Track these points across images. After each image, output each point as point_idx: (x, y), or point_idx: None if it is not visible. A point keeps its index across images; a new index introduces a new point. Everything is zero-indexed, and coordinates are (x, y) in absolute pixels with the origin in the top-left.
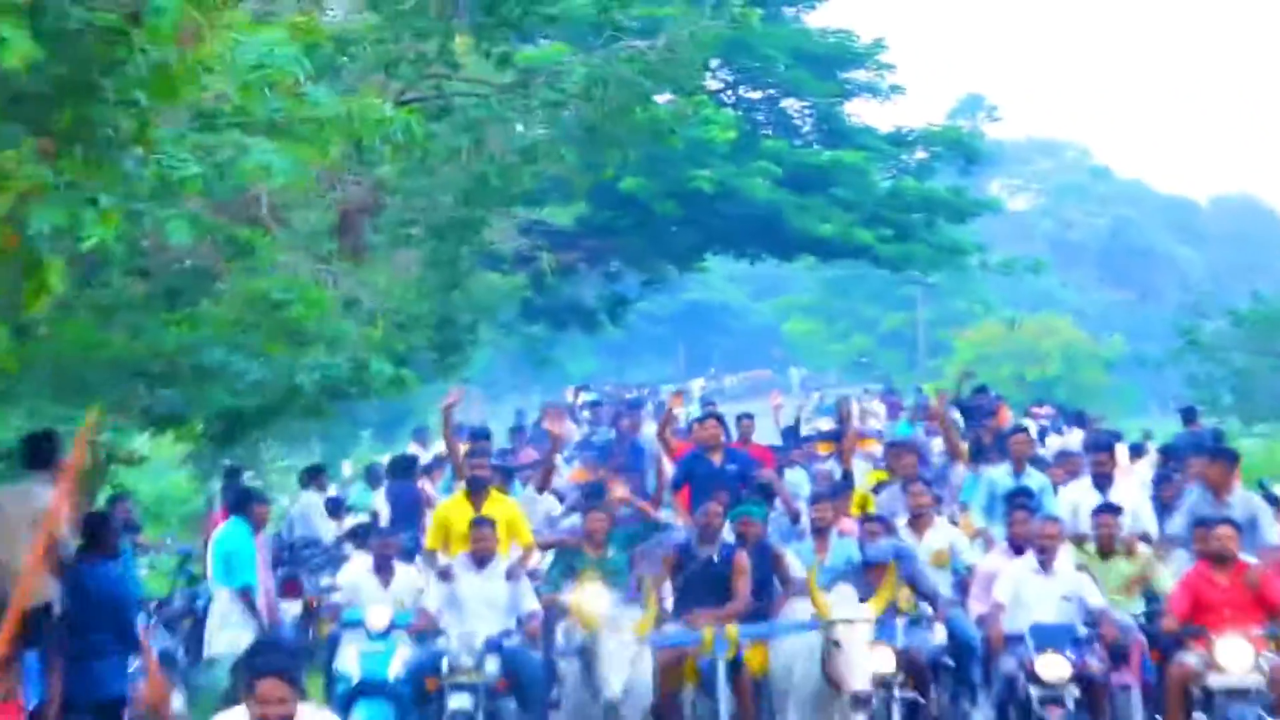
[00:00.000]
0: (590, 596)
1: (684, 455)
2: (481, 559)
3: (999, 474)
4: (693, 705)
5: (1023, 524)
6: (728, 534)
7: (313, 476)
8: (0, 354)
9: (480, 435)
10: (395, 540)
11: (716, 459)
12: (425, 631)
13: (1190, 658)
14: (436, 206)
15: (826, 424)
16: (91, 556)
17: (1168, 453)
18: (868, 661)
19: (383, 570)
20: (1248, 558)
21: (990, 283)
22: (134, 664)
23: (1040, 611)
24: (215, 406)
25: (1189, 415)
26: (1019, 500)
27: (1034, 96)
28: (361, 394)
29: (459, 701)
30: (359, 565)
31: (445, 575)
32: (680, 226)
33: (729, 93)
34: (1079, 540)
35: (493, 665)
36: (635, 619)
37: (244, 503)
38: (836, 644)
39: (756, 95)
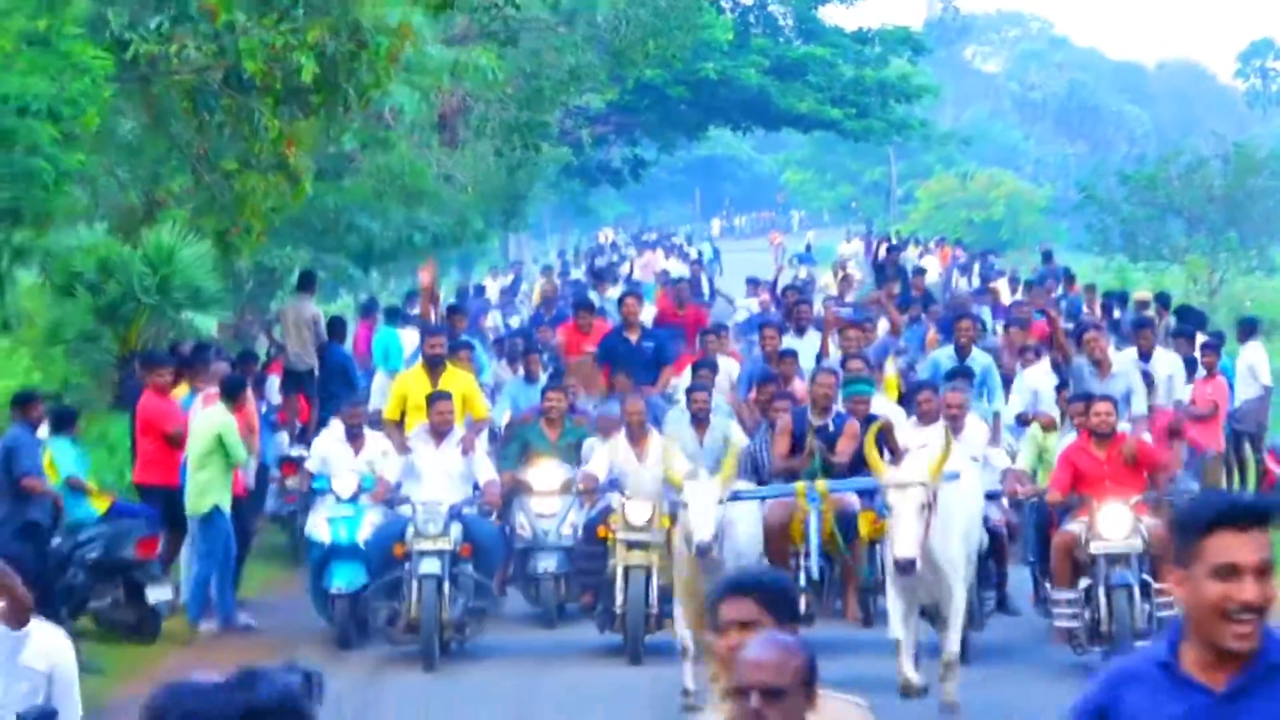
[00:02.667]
0: (672, 457)
1: (605, 335)
2: (440, 432)
3: (943, 356)
4: (804, 570)
5: (928, 402)
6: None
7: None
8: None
9: (452, 310)
10: (364, 408)
11: (634, 337)
12: (386, 499)
13: (1074, 526)
14: (507, 110)
15: (804, 273)
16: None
17: (1029, 285)
18: (912, 527)
19: (353, 438)
20: (1124, 426)
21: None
22: None
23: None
24: (355, 249)
25: (1047, 256)
26: (955, 382)
27: None
28: (455, 241)
29: (429, 566)
30: (331, 433)
31: (404, 448)
32: (688, 106)
33: (726, 2)
34: (1046, 423)
35: (456, 532)
36: (719, 475)
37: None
38: (889, 507)
39: (749, 2)
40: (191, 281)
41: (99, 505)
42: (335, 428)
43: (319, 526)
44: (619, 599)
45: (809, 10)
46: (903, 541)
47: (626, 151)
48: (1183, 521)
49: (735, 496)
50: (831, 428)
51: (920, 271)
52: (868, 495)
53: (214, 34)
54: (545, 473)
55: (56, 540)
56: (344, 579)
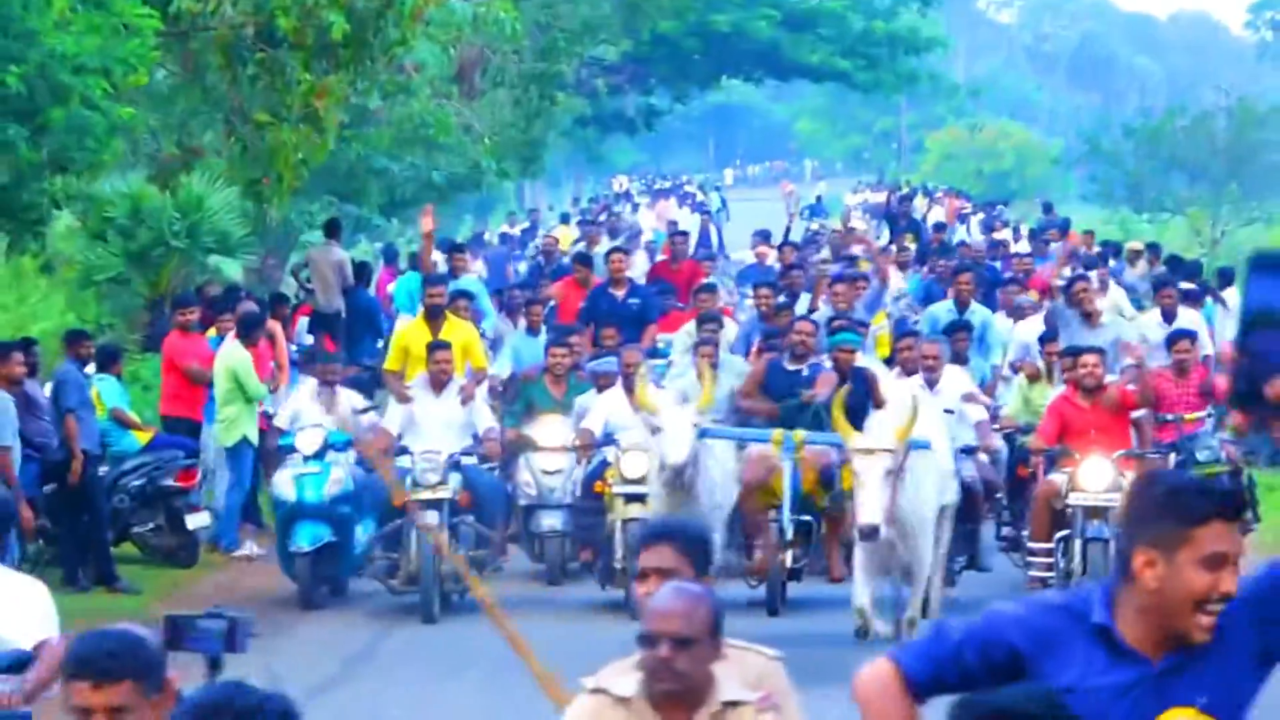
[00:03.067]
0: (649, 389)
1: (594, 290)
2: (439, 382)
3: (940, 310)
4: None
5: (909, 349)
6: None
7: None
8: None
9: (454, 248)
10: (337, 365)
11: (620, 293)
12: (387, 450)
13: (1056, 477)
14: (523, 61)
15: (815, 225)
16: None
17: (1031, 235)
18: (877, 495)
19: (325, 395)
20: (1111, 378)
21: (970, 85)
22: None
23: (925, 424)
24: (379, 196)
25: (1047, 208)
26: (936, 335)
27: None
28: (474, 186)
29: (427, 516)
30: (303, 390)
31: (404, 397)
32: (701, 57)
33: None
34: (1031, 373)
35: (455, 481)
36: (695, 403)
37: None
38: (855, 473)
39: None
40: (219, 227)
41: (141, 438)
42: (307, 384)
43: (284, 484)
44: (618, 553)
45: None
46: (867, 508)
47: (640, 101)
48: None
49: (706, 434)
50: (806, 372)
51: (941, 227)
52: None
53: None
54: (550, 429)
55: (104, 469)
56: (306, 538)
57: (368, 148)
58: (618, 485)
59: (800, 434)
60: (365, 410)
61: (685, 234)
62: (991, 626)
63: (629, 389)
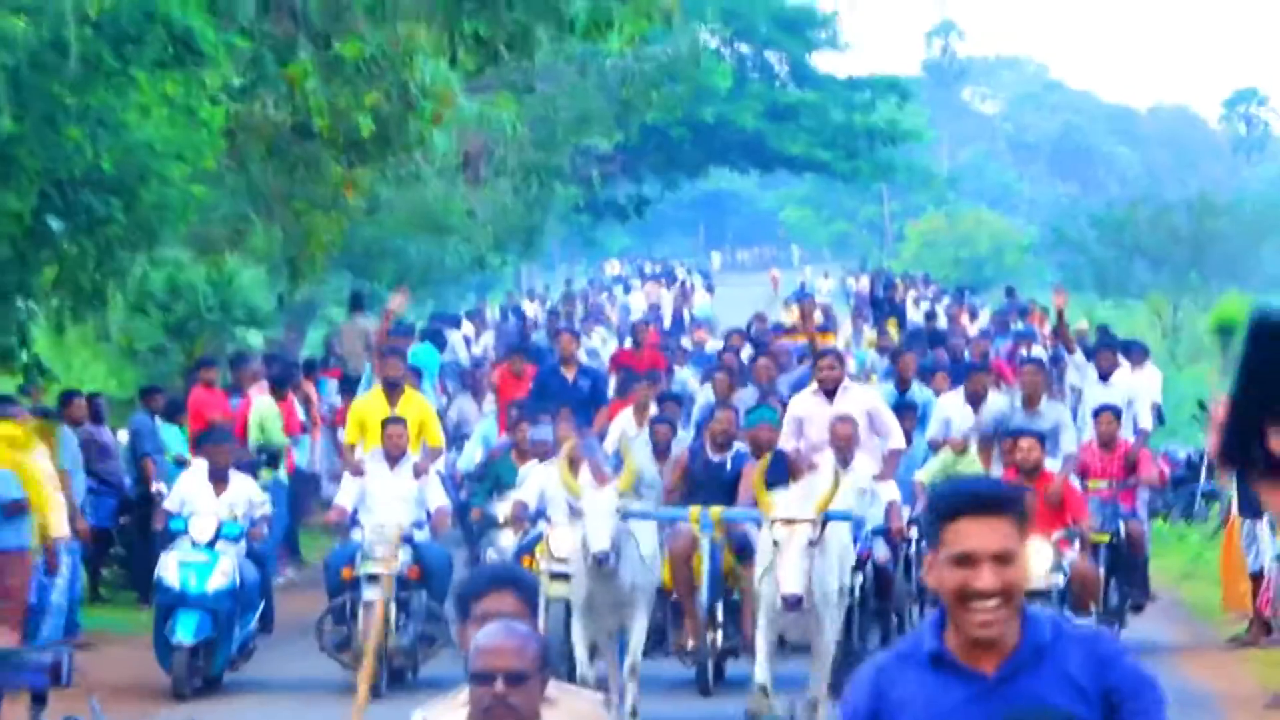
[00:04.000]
0: (570, 465)
1: (542, 370)
2: (393, 456)
3: (884, 390)
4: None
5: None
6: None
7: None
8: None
9: (403, 332)
10: (229, 446)
11: (570, 374)
12: (340, 524)
13: None
14: (524, 152)
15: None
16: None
17: (993, 317)
18: (799, 564)
19: (217, 478)
20: (1051, 464)
21: (954, 175)
22: None
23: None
24: (392, 275)
25: (1009, 292)
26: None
27: (1001, 17)
28: (480, 267)
29: (375, 591)
30: (194, 471)
31: (358, 470)
32: (690, 147)
33: (726, 48)
34: (956, 447)
35: (405, 555)
36: (617, 483)
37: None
38: (775, 543)
39: (746, 49)
40: (249, 302)
41: None
42: (199, 466)
43: (169, 569)
44: (540, 632)
45: (803, 58)
46: (789, 577)
47: (632, 189)
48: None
49: (627, 515)
50: (729, 465)
51: (931, 315)
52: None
53: (289, 94)
54: (511, 507)
55: None
56: (186, 630)
57: (382, 230)
58: (545, 562)
59: (717, 510)
60: (262, 502)
61: (649, 321)
62: (846, 708)
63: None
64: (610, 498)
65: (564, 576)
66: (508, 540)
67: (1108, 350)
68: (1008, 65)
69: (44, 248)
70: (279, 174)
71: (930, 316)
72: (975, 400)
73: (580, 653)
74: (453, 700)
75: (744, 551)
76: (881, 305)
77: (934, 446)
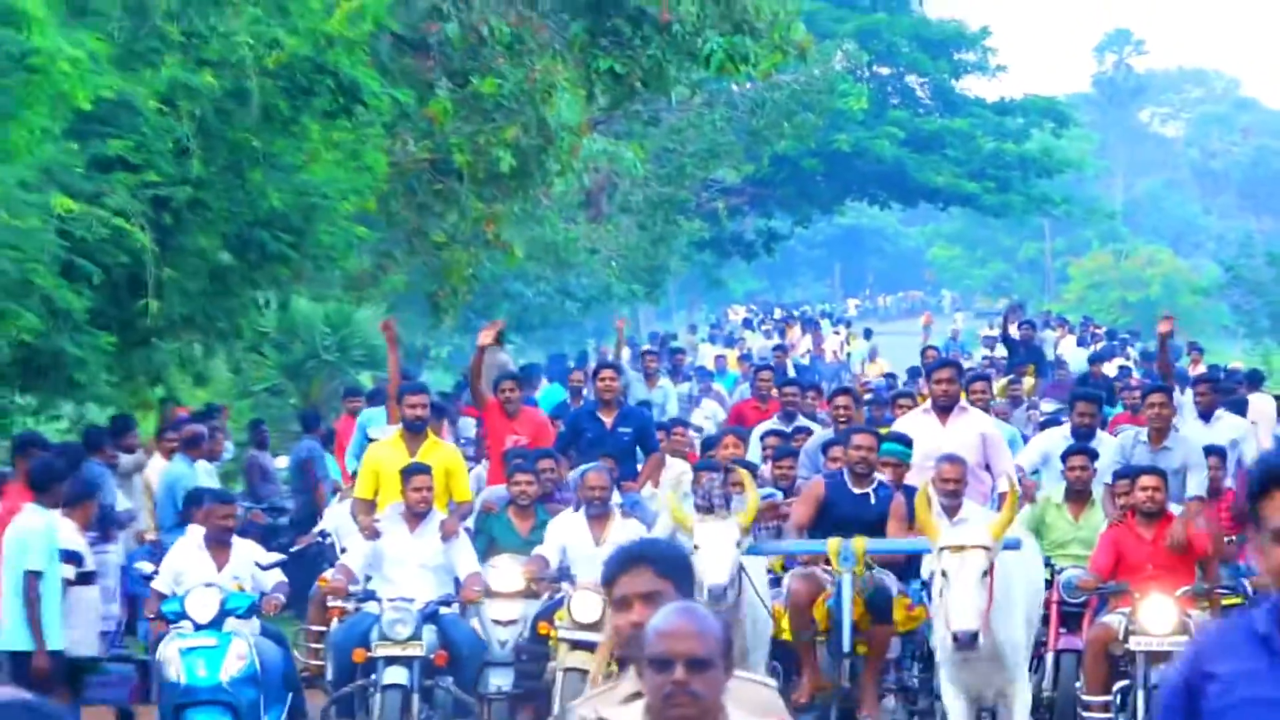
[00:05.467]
0: (681, 503)
1: (575, 411)
2: (416, 514)
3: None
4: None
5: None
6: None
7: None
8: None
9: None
10: (229, 508)
11: (609, 419)
12: (345, 594)
13: (1112, 619)
14: (650, 187)
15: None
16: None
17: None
18: (973, 597)
19: (216, 545)
20: (1175, 508)
21: (1127, 210)
22: None
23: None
24: (509, 316)
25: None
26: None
27: (1185, 28)
28: (603, 306)
29: (394, 676)
30: (187, 541)
31: (372, 532)
32: (824, 179)
33: (863, 70)
34: (1030, 494)
35: (430, 636)
36: (736, 517)
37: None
38: (944, 574)
39: (885, 72)
40: (367, 341)
41: None
42: (193, 534)
43: (171, 661)
44: (555, 707)
45: (948, 81)
46: (961, 612)
47: (760, 224)
48: (1245, 486)
49: (755, 551)
50: (873, 499)
51: (1062, 364)
52: (905, 578)
53: (429, 132)
54: (503, 571)
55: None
56: None
57: (499, 268)
58: (565, 629)
59: (860, 541)
60: (271, 566)
61: (769, 368)
62: (1169, 689)
63: (592, 515)
64: (730, 530)
65: (587, 646)
66: (498, 610)
67: (1206, 385)
68: (1193, 80)
69: (223, 286)
70: (419, 210)
71: (1061, 364)
72: (1080, 436)
73: None
74: (614, 692)
75: (878, 605)
76: (1017, 349)
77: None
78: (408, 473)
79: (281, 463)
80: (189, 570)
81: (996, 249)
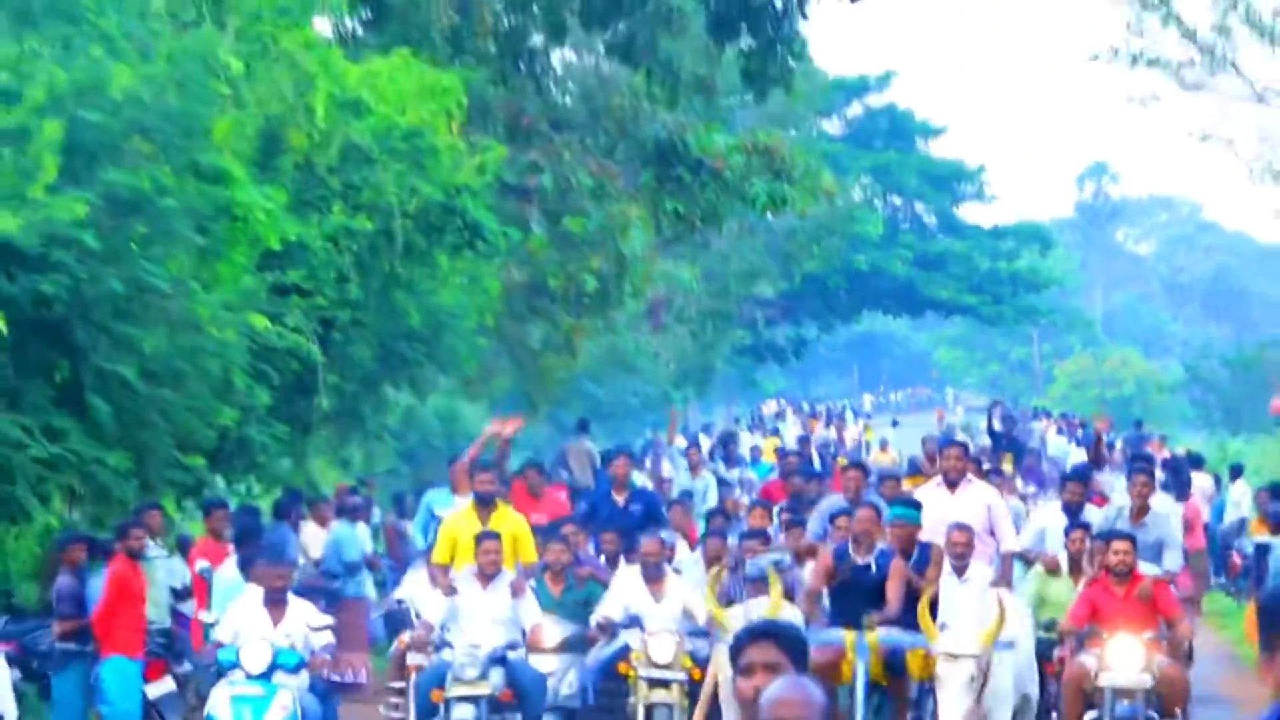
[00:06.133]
0: (716, 599)
1: (592, 492)
2: (487, 574)
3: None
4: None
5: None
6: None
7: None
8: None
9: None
10: (287, 569)
11: (621, 499)
12: (425, 644)
13: (1086, 658)
14: (701, 302)
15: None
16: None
17: (1126, 443)
18: (959, 702)
19: (273, 604)
20: (1149, 568)
21: (1106, 318)
22: None
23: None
24: (581, 411)
25: (1138, 424)
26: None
27: (1154, 160)
28: (663, 404)
29: (463, 712)
30: (248, 598)
31: (450, 590)
32: (846, 293)
33: (878, 200)
34: (1050, 564)
35: (497, 677)
36: (764, 607)
37: None
38: (938, 678)
39: (896, 202)
40: (470, 433)
41: None
42: (253, 592)
43: (220, 707)
44: None
45: (950, 208)
46: (948, 716)
47: (791, 332)
48: (1267, 609)
49: None
50: (874, 568)
51: (1044, 452)
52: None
53: (528, 261)
54: (545, 629)
55: None
56: None
57: (576, 370)
58: (643, 668)
59: (874, 636)
60: (322, 628)
61: (799, 453)
62: None
63: (648, 578)
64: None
65: (664, 684)
66: (541, 664)
67: (1141, 475)
68: (1161, 206)
69: (371, 387)
70: (520, 325)
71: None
72: (1071, 511)
73: None
74: None
75: (894, 662)
76: (999, 439)
77: (1027, 560)
78: (480, 538)
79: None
80: (246, 626)
81: (993, 352)
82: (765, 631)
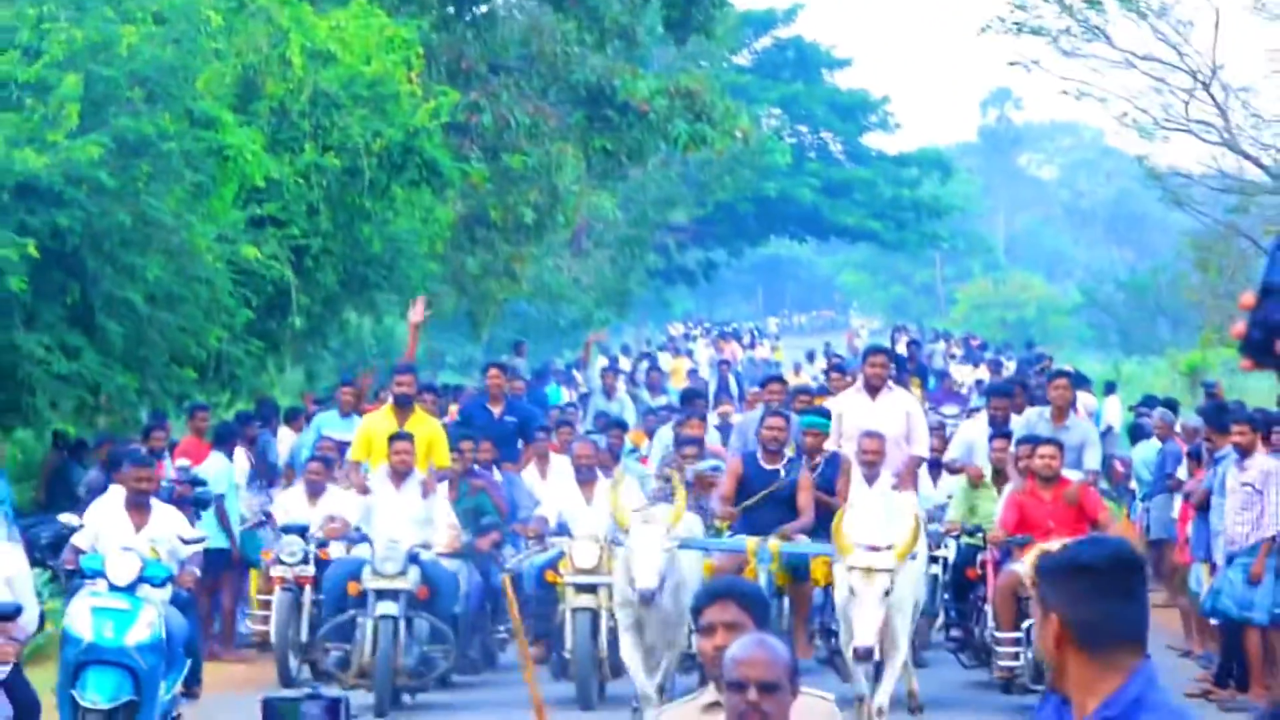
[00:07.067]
0: (624, 496)
1: (468, 403)
2: (399, 474)
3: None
4: None
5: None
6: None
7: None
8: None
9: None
10: (148, 470)
11: (497, 410)
12: (342, 537)
13: (1018, 566)
14: (620, 229)
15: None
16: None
17: (1017, 368)
18: (874, 616)
19: (136, 507)
20: (1072, 474)
21: (1008, 242)
22: None
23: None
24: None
25: (1029, 345)
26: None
27: (1057, 85)
28: (585, 326)
29: (385, 607)
30: (110, 500)
31: (364, 489)
32: (754, 219)
33: (786, 130)
34: (975, 475)
35: (414, 574)
36: (666, 514)
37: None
38: (850, 589)
39: (804, 131)
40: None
41: None
42: (115, 494)
43: (79, 617)
44: (568, 644)
45: (856, 138)
46: (864, 630)
47: (700, 256)
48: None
49: (683, 545)
50: (783, 474)
51: (947, 374)
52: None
53: (470, 194)
54: (534, 524)
55: None
56: (101, 690)
57: (509, 296)
58: (569, 575)
59: (775, 544)
60: (193, 541)
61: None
62: None
63: (580, 481)
64: (658, 535)
65: (589, 588)
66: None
67: (1061, 378)
68: (1064, 131)
69: (335, 310)
70: (462, 253)
71: (944, 375)
72: (996, 424)
73: (635, 669)
74: (688, 705)
75: (797, 568)
76: (903, 363)
77: (952, 470)
78: (394, 439)
79: None
80: (107, 529)
81: (896, 275)
82: (725, 591)
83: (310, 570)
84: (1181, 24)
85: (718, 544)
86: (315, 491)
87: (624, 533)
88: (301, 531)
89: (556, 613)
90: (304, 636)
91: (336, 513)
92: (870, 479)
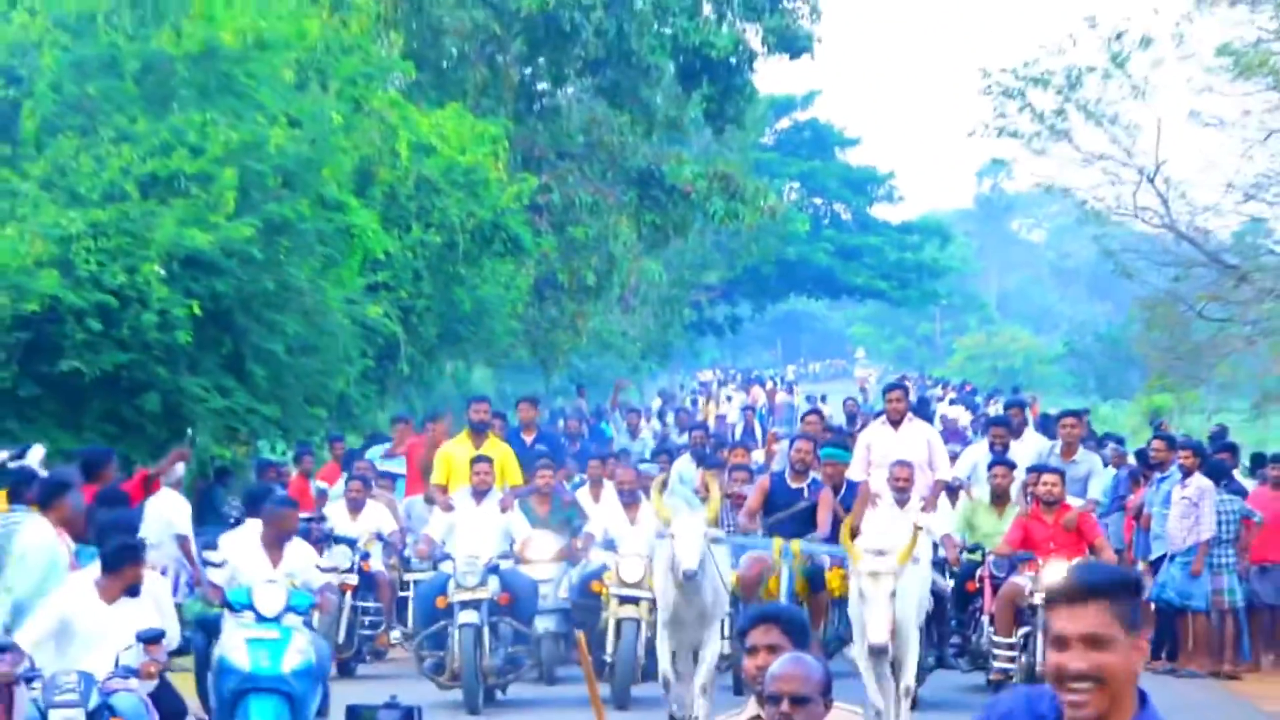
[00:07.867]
0: (666, 497)
1: (508, 433)
2: (480, 492)
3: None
4: None
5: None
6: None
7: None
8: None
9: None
10: (294, 514)
11: (529, 438)
12: (428, 557)
13: (1020, 579)
14: (662, 289)
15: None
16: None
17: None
18: (884, 614)
19: (273, 545)
20: (1075, 501)
21: (1000, 298)
22: None
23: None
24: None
25: (1015, 390)
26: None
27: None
28: (633, 374)
29: (467, 616)
30: (245, 536)
31: (448, 507)
32: (776, 279)
33: (804, 202)
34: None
35: (494, 583)
36: (703, 510)
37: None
38: (860, 593)
39: (819, 202)
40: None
41: None
42: (251, 529)
43: (236, 649)
44: (609, 649)
45: (865, 208)
46: (876, 627)
47: (728, 311)
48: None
49: (716, 541)
50: (807, 493)
51: (946, 419)
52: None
53: (542, 261)
54: (540, 543)
55: None
56: (263, 715)
57: (572, 347)
58: (615, 587)
59: (797, 544)
60: (331, 570)
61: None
62: None
63: (624, 504)
64: (700, 522)
65: (633, 601)
66: (537, 572)
67: (1071, 417)
68: (1050, 197)
69: (433, 358)
70: (534, 310)
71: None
72: (995, 451)
73: (665, 662)
74: (735, 715)
75: (815, 578)
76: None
77: (952, 489)
78: (474, 461)
79: None
80: (245, 565)
81: (900, 328)
82: (768, 616)
83: (354, 579)
84: (1130, 128)
85: (745, 541)
86: (355, 507)
87: (665, 525)
88: (351, 544)
89: (600, 618)
90: (340, 638)
91: (382, 526)
92: (901, 503)
